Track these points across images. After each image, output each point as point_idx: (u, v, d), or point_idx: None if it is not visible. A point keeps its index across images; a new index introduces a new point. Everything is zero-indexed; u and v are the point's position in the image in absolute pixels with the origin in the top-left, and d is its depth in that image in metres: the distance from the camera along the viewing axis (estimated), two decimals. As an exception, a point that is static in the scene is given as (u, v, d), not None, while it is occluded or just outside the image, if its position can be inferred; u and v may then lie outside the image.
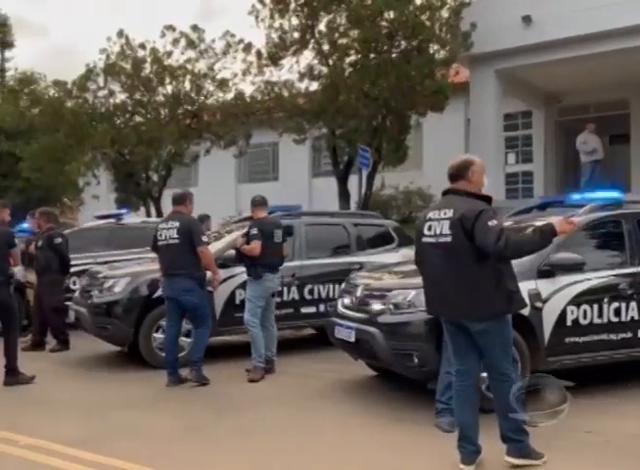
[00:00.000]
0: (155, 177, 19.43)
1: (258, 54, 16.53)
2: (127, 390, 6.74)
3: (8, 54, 32.75)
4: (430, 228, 4.23)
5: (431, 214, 4.29)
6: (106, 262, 11.50)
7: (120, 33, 18.74)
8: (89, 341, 8.53)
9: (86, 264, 11.28)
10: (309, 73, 15.86)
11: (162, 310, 7.49)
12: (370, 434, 5.13)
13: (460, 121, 20.72)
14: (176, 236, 6.80)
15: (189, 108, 19.03)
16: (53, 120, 16.70)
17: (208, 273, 6.99)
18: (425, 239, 4.28)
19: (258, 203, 7.38)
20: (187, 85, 18.59)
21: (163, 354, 7.43)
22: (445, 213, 4.16)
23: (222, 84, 18.59)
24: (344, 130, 15.17)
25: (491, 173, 16.11)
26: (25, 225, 13.14)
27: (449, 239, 4.10)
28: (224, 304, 7.85)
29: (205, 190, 26.48)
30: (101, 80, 17.67)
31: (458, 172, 4.31)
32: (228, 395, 6.48)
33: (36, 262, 9.25)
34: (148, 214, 18.60)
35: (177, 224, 6.84)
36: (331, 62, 15.23)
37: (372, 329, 5.63)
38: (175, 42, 19.03)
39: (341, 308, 6.31)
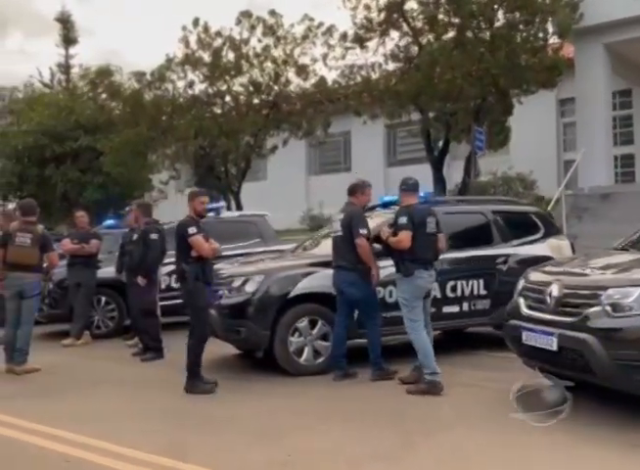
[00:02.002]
0: (233, 170, 18.79)
1: (344, 36, 15.59)
2: (278, 402, 5.96)
3: (71, 51, 32.75)
4: None
5: None
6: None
7: (196, 22, 18.14)
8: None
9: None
10: (400, 54, 14.93)
11: (299, 311, 6.74)
12: (602, 459, 4.21)
13: (551, 102, 19.42)
14: (339, 228, 6.59)
15: (268, 97, 18.32)
16: (133, 113, 16.18)
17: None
18: None
19: (409, 186, 6.39)
20: (265, 73, 17.85)
21: (301, 360, 6.71)
22: None
23: (302, 70, 17.78)
24: (439, 113, 14.17)
25: (600, 158, 15.10)
26: (111, 222, 12.61)
27: None
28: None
29: (275, 184, 25.81)
30: (180, 71, 17.09)
31: None
32: (403, 413, 5.58)
33: (129, 259, 8.54)
34: (228, 208, 17.98)
35: (342, 216, 6.64)
36: (425, 40, 14.29)
37: (584, 335, 4.68)
38: (252, 29, 18.35)
39: (526, 310, 5.37)
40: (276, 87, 18.15)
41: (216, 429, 5.24)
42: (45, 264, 7.72)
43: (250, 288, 6.72)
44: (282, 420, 5.44)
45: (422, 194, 8.22)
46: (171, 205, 19.25)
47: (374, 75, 15.27)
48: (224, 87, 17.93)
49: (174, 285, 10.14)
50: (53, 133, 17.38)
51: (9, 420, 5.68)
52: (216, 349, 8.04)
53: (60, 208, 17.92)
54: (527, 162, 17.08)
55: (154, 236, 8.15)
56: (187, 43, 17.49)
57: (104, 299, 10.07)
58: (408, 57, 15.15)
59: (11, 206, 20.30)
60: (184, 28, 18.13)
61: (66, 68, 31.97)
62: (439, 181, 15.14)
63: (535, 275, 5.61)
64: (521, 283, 5.71)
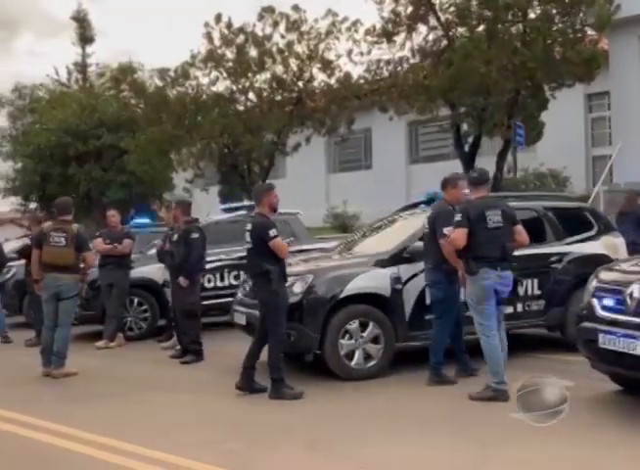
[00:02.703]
0: (256, 168, 18.50)
1: (373, 30, 15.27)
2: (332, 408, 5.68)
3: (88, 49, 32.62)
4: None
5: None
6: (240, 258, 10.67)
7: (218, 18, 17.88)
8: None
9: (220, 261, 10.46)
10: (429, 49, 14.62)
11: (350, 313, 6.45)
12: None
13: (579, 96, 18.99)
14: (427, 225, 6.33)
15: (291, 94, 18.02)
16: (157, 111, 15.94)
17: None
18: None
19: (475, 178, 5.94)
20: (289, 69, 17.54)
21: (352, 364, 6.43)
22: None
23: (326, 66, 17.46)
24: (470, 108, 13.82)
25: (636, 152, 14.68)
26: (142, 220, 12.41)
27: None
28: (413, 305, 6.68)
29: (295, 182, 25.50)
30: (203, 67, 16.82)
31: None
32: (466, 419, 5.28)
33: (170, 259, 8.22)
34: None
35: (429, 213, 6.38)
36: (456, 34, 13.97)
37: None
38: (275, 25, 18.06)
39: (602, 312, 5.05)
40: (300, 83, 17.86)
41: (275, 439, 4.97)
42: (82, 265, 7.47)
43: (299, 289, 6.44)
44: (341, 428, 5.15)
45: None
46: (194, 203, 19.09)
47: (401, 70, 14.91)
48: (247, 84, 17.66)
49: (207, 285, 10.06)
50: (76, 131, 17.17)
51: (51, 426, 5.46)
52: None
53: (81, 207, 17.69)
54: (555, 158, 16.70)
55: (195, 235, 7.89)
56: (210, 39, 17.22)
57: (136, 300, 9.84)
58: (437, 51, 14.83)
59: (32, 205, 20.21)
60: (206, 25, 17.89)
61: (82, 66, 31.83)
62: (470, 178, 14.72)
63: (609, 275, 5.29)
64: (593, 283, 5.38)
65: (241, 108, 17.91)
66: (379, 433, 4.97)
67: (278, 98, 18.19)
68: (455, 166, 23.34)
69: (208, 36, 17.13)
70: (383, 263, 6.66)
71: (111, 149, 17.24)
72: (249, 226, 6.18)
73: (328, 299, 6.40)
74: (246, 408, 5.87)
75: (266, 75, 17.69)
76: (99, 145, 17.15)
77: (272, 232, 5.93)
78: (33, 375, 7.35)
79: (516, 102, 13.30)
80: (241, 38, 17.57)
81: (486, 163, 15.74)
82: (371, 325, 6.48)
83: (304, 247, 10.83)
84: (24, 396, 6.60)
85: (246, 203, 11.26)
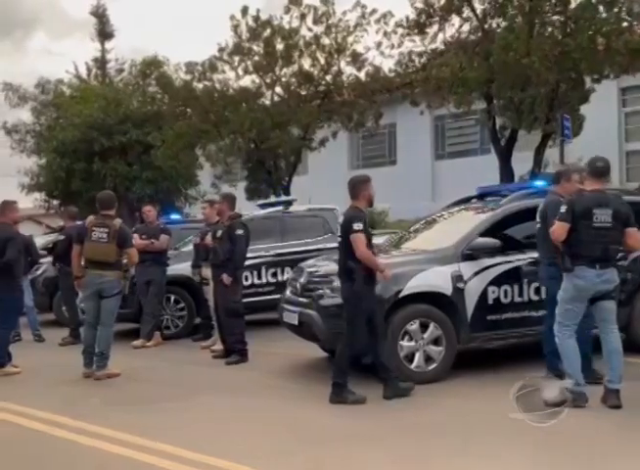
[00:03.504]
0: (282, 164, 18.21)
1: (408, 20, 14.90)
2: (400, 415, 5.36)
3: (107, 45, 32.46)
4: None
5: None
6: (278, 255, 10.40)
7: (245, 11, 17.59)
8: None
9: (257, 258, 10.15)
10: (464, 40, 14.25)
11: (410, 312, 6.12)
12: None
13: (612, 90, 18.54)
14: (538, 219, 5.98)
15: (318, 87, 17.70)
16: (184, 105, 15.66)
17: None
18: None
19: (600, 170, 5.39)
20: (317, 63, 17.23)
21: (412, 366, 6.09)
22: None
23: (355, 59, 17.13)
24: (508, 101, 13.41)
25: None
26: (177, 216, 12.14)
27: None
28: (475, 305, 6.34)
29: (316, 178, 25.23)
30: (231, 61, 16.53)
31: None
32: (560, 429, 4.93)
33: (213, 256, 7.88)
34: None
35: (541, 206, 6.02)
36: (493, 25, 13.59)
37: None
38: (302, 17, 17.75)
39: None
40: (327, 77, 17.54)
41: (348, 447, 4.65)
42: (124, 261, 7.19)
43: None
44: (416, 437, 4.81)
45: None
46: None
47: (437, 63, 14.52)
48: (274, 78, 17.36)
49: (244, 283, 9.76)
50: (101, 126, 16.92)
51: (100, 431, 5.16)
52: (306, 352, 7.57)
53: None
54: (588, 152, 16.21)
55: (240, 232, 7.59)
56: (237, 33, 16.93)
57: (173, 297, 9.56)
58: (472, 42, 14.45)
59: (55, 202, 19.99)
60: (232, 18, 17.62)
61: (102, 62, 31.66)
62: (507, 173, 14.37)
63: None
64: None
65: (267, 102, 17.63)
66: (463, 444, 4.64)
67: (305, 92, 17.90)
68: (482, 163, 23.14)
69: (235, 29, 16.83)
70: (443, 261, 6.32)
71: (136, 144, 16.97)
72: (341, 219, 5.86)
73: (387, 298, 6.06)
74: (311, 414, 5.54)
75: (293, 69, 17.39)
76: (124, 140, 16.88)
77: (356, 225, 5.59)
78: (73, 376, 7.08)
79: (556, 94, 12.88)
80: (267, 31, 17.30)
81: (523, 158, 15.41)
82: (432, 326, 6.14)
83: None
84: (68, 398, 6.33)
85: (282, 198, 10.95)
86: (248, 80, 17.01)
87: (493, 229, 6.66)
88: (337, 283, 6.23)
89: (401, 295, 6.07)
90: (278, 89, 17.40)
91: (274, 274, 10.13)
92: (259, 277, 10.07)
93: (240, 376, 7.04)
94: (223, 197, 8.06)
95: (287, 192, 17.93)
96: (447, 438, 4.79)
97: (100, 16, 32.92)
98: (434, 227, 7.45)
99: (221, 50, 16.25)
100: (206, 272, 8.59)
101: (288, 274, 10.40)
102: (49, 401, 6.10)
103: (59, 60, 62.10)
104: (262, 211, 10.80)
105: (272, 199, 11.64)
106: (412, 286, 6.10)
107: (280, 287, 10.05)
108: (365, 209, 5.86)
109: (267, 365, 7.44)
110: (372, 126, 18.78)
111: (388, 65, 17.02)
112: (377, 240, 10.68)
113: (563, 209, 5.30)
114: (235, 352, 7.58)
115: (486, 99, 14.16)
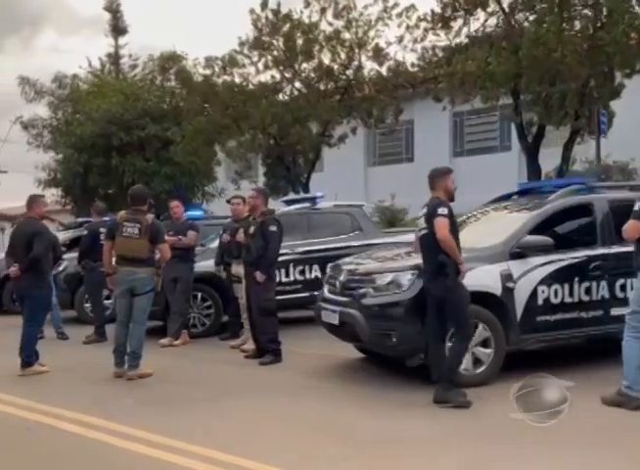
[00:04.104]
0: (300, 161, 17.94)
1: (433, 14, 14.59)
2: (450, 421, 5.11)
3: (121, 41, 32.24)
4: None
5: None
6: (306, 252, 10.15)
7: (265, 4, 17.31)
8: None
9: (284, 255, 9.87)
10: (491, 34, 13.94)
11: (458, 313, 5.85)
12: None
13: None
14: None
15: (338, 82, 17.42)
16: (204, 100, 15.43)
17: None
18: None
19: None
20: (338, 57, 16.94)
21: (460, 369, 5.82)
22: None
23: (377, 54, 16.82)
24: (536, 96, 13.10)
25: None
26: (195, 212, 11.91)
27: None
28: (525, 305, 6.08)
29: (332, 175, 24.89)
30: (251, 55, 16.28)
31: None
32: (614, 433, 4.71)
33: (246, 253, 7.64)
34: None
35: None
36: (522, 18, 13.28)
37: None
38: (322, 11, 17.46)
39: None
40: (348, 72, 17.25)
41: (395, 451, 4.41)
42: (157, 257, 6.96)
43: (402, 285, 5.87)
44: (468, 443, 4.57)
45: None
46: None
47: (463, 57, 14.20)
48: (294, 73, 17.10)
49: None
50: (120, 121, 16.71)
51: (132, 432, 4.97)
52: (340, 352, 7.34)
53: (123, 199, 17.21)
54: (619, 149, 15.94)
55: (273, 228, 7.34)
56: (257, 26, 16.67)
57: (200, 295, 9.33)
58: (498, 36, 14.13)
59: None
60: (252, 12, 17.35)
61: (115, 58, 31.46)
62: (534, 170, 14.05)
63: None
64: None
65: (285, 97, 17.37)
66: (520, 450, 4.39)
67: (324, 87, 17.61)
68: (502, 160, 22.81)
69: (255, 24, 16.57)
70: (491, 259, 6.06)
71: (154, 139, 16.74)
72: (424, 210, 5.56)
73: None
74: (351, 416, 5.32)
75: (313, 64, 17.10)
76: (143, 135, 16.66)
77: (441, 210, 5.35)
78: (103, 375, 6.87)
79: (586, 89, 12.57)
80: (287, 26, 17.02)
81: (547, 154, 15.10)
82: (480, 327, 5.89)
83: (373, 241, 10.28)
84: (100, 398, 6.11)
85: (309, 194, 10.70)
86: (267, 75, 16.80)
87: (542, 226, 6.41)
88: (382, 281, 6.00)
89: (449, 294, 5.82)
90: (297, 84, 17.13)
91: (302, 272, 9.89)
92: (287, 275, 9.80)
93: (274, 376, 6.82)
94: (257, 192, 7.78)
95: (306, 189, 17.67)
96: (502, 444, 4.55)
97: (114, 11, 32.68)
98: (477, 225, 7.16)
99: (242, 44, 16.02)
100: (237, 270, 8.38)
101: (315, 272, 10.27)
102: (80, 402, 5.88)
103: (66, 57, 62.15)
104: (288, 208, 10.56)
105: (298, 195, 11.34)
106: (462, 285, 5.83)
107: (307, 285, 9.86)
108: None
109: (301, 365, 7.21)
110: (392, 122, 18.48)
111: (409, 59, 16.76)
112: (408, 237, 10.64)
113: (637, 206, 5.06)
114: (268, 351, 7.34)
115: (513, 94, 13.86)
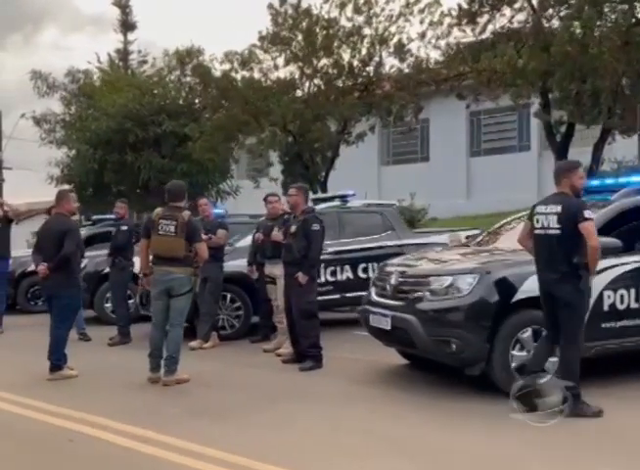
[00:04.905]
0: (318, 159, 17.58)
1: (459, 9, 14.25)
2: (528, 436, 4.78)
3: (130, 37, 31.96)
4: None
5: None
6: (337, 253, 9.81)
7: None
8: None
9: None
10: (520, 30, 13.62)
11: (522, 319, 5.52)
12: None
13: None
14: None
15: (357, 79, 17.07)
16: (224, 96, 15.07)
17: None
18: None
19: None
20: (359, 53, 16.59)
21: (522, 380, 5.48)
22: None
23: (399, 50, 16.46)
24: (566, 94, 12.74)
25: None
26: (217, 211, 11.57)
27: None
28: (590, 311, 5.71)
29: (345, 174, 24.54)
30: (271, 50, 15.93)
31: None
32: None
33: (287, 253, 7.25)
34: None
35: None
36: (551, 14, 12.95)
37: None
38: (342, 6, 17.10)
39: None
40: (369, 68, 16.90)
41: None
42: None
43: (462, 289, 5.51)
44: (570, 460, 4.22)
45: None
46: (247, 195, 18.18)
47: (488, 54, 13.86)
48: (313, 69, 16.75)
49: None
50: (136, 117, 16.33)
51: (186, 446, 4.61)
52: (382, 357, 7.01)
53: (138, 196, 16.85)
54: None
55: (316, 227, 7.00)
56: (276, 22, 16.32)
57: (229, 296, 8.98)
58: (526, 33, 13.80)
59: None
60: (270, 6, 17.02)
61: (124, 54, 31.15)
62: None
63: None
64: None
65: (300, 93, 17.03)
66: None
67: (343, 84, 17.26)
68: (521, 159, 22.43)
69: (275, 19, 16.22)
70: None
71: (170, 136, 16.37)
72: (556, 208, 5.14)
73: (499, 302, 5.47)
74: (411, 425, 4.98)
75: (333, 59, 16.74)
76: (160, 132, 16.29)
77: (587, 213, 4.97)
78: (137, 381, 6.52)
79: (620, 87, 12.22)
80: (307, 21, 16.66)
81: (576, 154, 14.73)
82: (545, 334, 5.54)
83: (406, 242, 9.94)
84: (143, 407, 5.76)
85: (339, 193, 10.35)
86: (285, 71, 16.45)
87: (606, 228, 6.05)
88: (440, 284, 5.64)
89: (515, 299, 5.47)
90: (317, 80, 16.78)
91: (333, 273, 9.53)
92: (317, 276, 9.45)
93: (316, 383, 6.48)
94: (298, 189, 7.42)
95: (324, 188, 17.32)
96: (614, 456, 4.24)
97: (123, 6, 32.40)
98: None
99: (262, 38, 15.66)
100: (271, 270, 8.03)
101: (347, 273, 9.92)
102: (121, 410, 5.53)
103: (69, 55, 61.89)
104: (317, 207, 10.20)
105: (327, 193, 10.99)
106: (527, 289, 5.46)
107: (338, 286, 9.52)
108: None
109: (344, 371, 6.87)
110: (411, 120, 18.16)
111: (432, 56, 16.43)
112: (437, 238, 10.29)
113: None
114: (309, 356, 6.99)
115: (541, 92, 13.52)
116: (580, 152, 14.88)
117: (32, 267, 12.73)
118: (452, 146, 23.35)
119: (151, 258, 6.58)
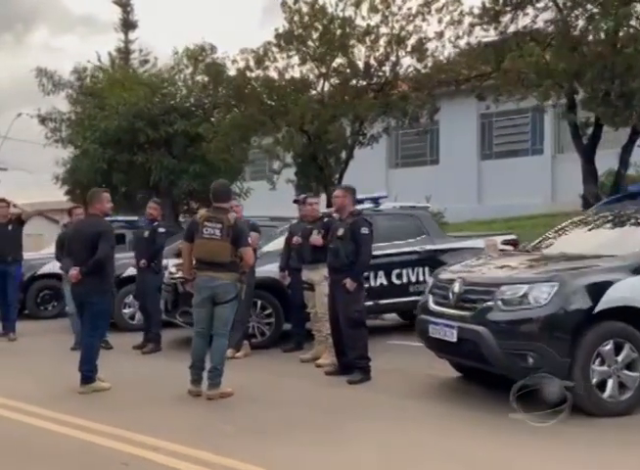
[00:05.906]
0: (331, 161, 17.15)
1: (483, 8, 13.88)
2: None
3: (132, 36, 31.45)
4: None
5: None
6: (374, 257, 9.39)
7: (297, -2, 16.55)
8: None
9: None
10: (546, 30, 13.28)
11: (604, 331, 5.11)
12: None
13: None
14: None
15: (373, 79, 16.66)
16: (238, 95, 14.64)
17: None
18: None
19: None
20: (377, 53, 16.19)
21: (604, 395, 5.10)
22: None
23: (417, 50, 16.07)
24: (595, 94, 12.38)
25: None
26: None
27: None
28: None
29: (351, 177, 24.14)
30: (286, 48, 15.50)
31: None
32: None
33: (334, 258, 6.77)
34: (329, 205, 16.37)
35: None
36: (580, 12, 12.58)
37: None
38: (357, 5, 16.71)
39: None
40: (385, 68, 16.49)
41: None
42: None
43: (538, 299, 5.11)
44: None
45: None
46: (264, 196, 17.69)
47: (513, 54, 13.49)
48: (327, 68, 16.33)
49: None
50: (147, 116, 15.86)
51: (237, 465, 4.22)
52: (431, 370, 6.61)
53: (146, 197, 16.34)
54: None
55: (365, 231, 6.58)
56: (291, 20, 15.91)
57: (260, 302, 8.55)
58: (552, 33, 13.46)
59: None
60: (284, 4, 16.60)
61: (125, 53, 30.63)
62: (590, 174, 13.33)
63: None
64: None
65: (317, 93, 16.62)
66: None
67: (357, 83, 16.86)
68: (534, 163, 22.05)
69: (291, 18, 15.80)
70: (636, 269, 5.31)
71: (182, 136, 15.91)
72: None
73: (580, 313, 5.06)
74: (476, 443, 4.59)
75: (349, 59, 16.33)
76: (171, 131, 15.82)
77: None
78: (176, 394, 6.08)
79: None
80: (323, 20, 16.25)
81: (604, 156, 14.41)
82: (627, 347, 5.14)
83: (439, 246, 9.56)
84: (191, 424, 5.31)
85: (375, 195, 9.94)
86: (300, 70, 16.04)
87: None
88: (514, 293, 5.24)
89: (597, 310, 5.08)
90: (332, 80, 16.37)
91: (366, 278, 9.08)
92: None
93: (367, 397, 6.06)
94: (345, 190, 7.02)
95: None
96: None
97: (124, 5, 31.92)
98: (594, 230, 6.42)
99: (278, 36, 15.24)
100: (309, 276, 7.64)
101: (380, 279, 9.51)
102: (167, 428, 5.09)
103: (59, 55, 61.32)
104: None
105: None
106: (609, 300, 5.07)
107: (372, 293, 9.09)
108: None
109: (394, 385, 6.46)
110: (426, 122, 17.77)
111: (451, 56, 16.01)
112: (472, 243, 9.88)
113: None
114: (357, 368, 6.58)
115: (567, 93, 13.16)
116: (605, 154, 14.59)
117: (44, 270, 12.60)
118: (462, 149, 22.96)
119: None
